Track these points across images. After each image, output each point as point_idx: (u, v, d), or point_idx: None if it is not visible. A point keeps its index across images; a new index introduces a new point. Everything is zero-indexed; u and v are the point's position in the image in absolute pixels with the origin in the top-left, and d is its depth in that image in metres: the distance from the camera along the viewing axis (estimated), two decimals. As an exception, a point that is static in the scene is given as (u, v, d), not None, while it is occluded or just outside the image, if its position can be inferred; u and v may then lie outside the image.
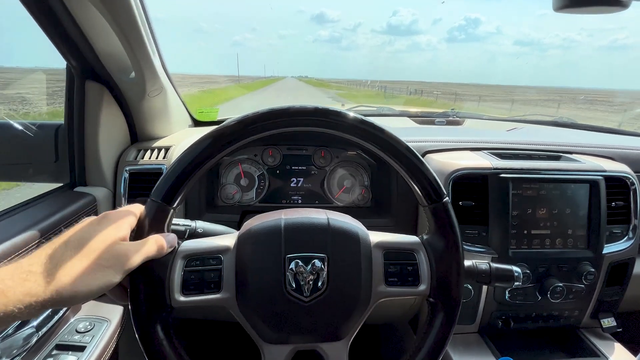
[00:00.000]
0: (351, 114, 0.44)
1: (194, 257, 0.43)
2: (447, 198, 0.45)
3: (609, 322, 0.86)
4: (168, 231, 0.42)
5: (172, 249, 0.42)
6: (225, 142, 0.42)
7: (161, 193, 0.41)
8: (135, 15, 0.61)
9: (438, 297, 0.44)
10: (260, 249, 0.43)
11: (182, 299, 0.41)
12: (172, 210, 0.42)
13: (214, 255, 0.43)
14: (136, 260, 0.36)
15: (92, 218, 0.37)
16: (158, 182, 0.42)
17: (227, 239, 0.45)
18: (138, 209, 0.41)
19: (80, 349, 0.67)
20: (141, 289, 0.40)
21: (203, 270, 0.42)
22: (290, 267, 0.42)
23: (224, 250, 0.44)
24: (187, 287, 0.41)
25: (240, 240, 0.44)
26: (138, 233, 0.40)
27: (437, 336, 0.44)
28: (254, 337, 0.43)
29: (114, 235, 0.36)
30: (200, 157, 0.42)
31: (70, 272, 0.32)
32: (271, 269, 0.42)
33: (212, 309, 0.94)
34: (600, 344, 0.83)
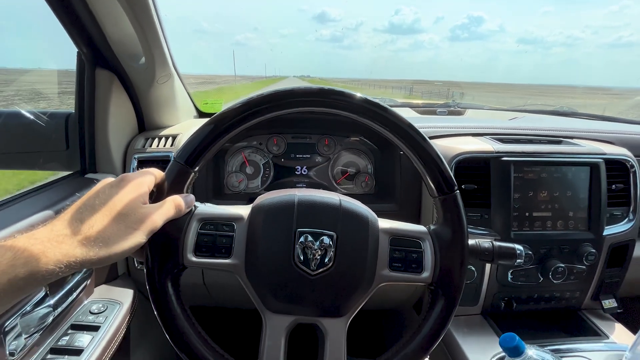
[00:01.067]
0: (357, 94, 0.45)
1: (208, 221, 0.44)
2: (457, 190, 0.46)
3: (610, 303, 0.88)
4: (187, 193, 0.44)
5: (190, 209, 0.44)
6: (250, 112, 0.44)
7: (185, 155, 0.43)
8: (149, 0, 0.62)
9: (440, 285, 0.46)
10: (272, 220, 0.44)
11: (194, 259, 0.43)
12: (193, 173, 0.44)
13: (228, 222, 0.45)
14: (159, 221, 0.38)
15: (111, 180, 0.39)
16: (182, 144, 0.44)
17: (242, 209, 0.47)
18: (156, 171, 0.43)
19: (95, 328, 0.69)
20: (157, 247, 0.42)
21: (216, 234, 0.44)
22: (300, 240, 0.43)
23: (238, 218, 0.45)
24: (200, 249, 0.43)
25: (253, 211, 0.45)
26: (158, 194, 0.42)
27: (436, 321, 0.46)
28: (257, 305, 0.45)
29: (138, 199, 0.37)
30: (225, 124, 0.43)
31: (103, 236, 0.34)
32: (281, 240, 0.43)
33: (226, 293, 0.96)
34: (602, 324, 0.85)
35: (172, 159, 0.44)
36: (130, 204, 0.36)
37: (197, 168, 0.44)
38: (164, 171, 0.44)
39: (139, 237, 0.36)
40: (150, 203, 0.40)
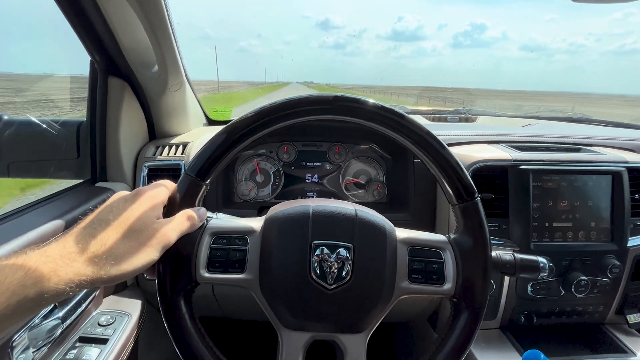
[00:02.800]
0: (372, 101, 0.44)
1: (221, 235, 0.43)
2: (478, 197, 0.44)
3: (635, 317, 0.84)
4: (199, 206, 0.43)
5: (202, 223, 0.42)
6: (263, 121, 0.43)
7: (197, 168, 0.42)
8: (164, 9, 0.62)
9: (463, 297, 0.43)
10: (287, 233, 0.43)
11: (207, 275, 0.41)
12: (204, 186, 0.43)
13: (241, 235, 0.43)
14: (172, 237, 0.37)
15: (125, 193, 0.38)
16: (193, 157, 0.42)
17: (254, 221, 0.45)
18: (169, 184, 0.42)
19: (103, 341, 0.67)
20: (169, 262, 0.40)
21: (229, 248, 0.42)
22: (315, 253, 0.41)
23: (251, 231, 0.44)
24: (213, 264, 0.42)
25: (267, 224, 0.44)
26: (170, 207, 0.41)
27: (459, 337, 0.43)
28: (273, 322, 0.43)
29: (152, 214, 0.36)
30: (237, 134, 0.42)
31: (115, 253, 0.32)
32: (296, 253, 0.42)
33: (231, 304, 0.94)
34: (627, 340, 0.81)
35: (184, 172, 0.43)
36: (143, 219, 0.35)
37: (208, 180, 0.43)
38: (175, 181, 0.43)
39: (151, 254, 0.35)
40: (163, 215, 0.39)
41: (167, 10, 0.65)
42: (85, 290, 0.69)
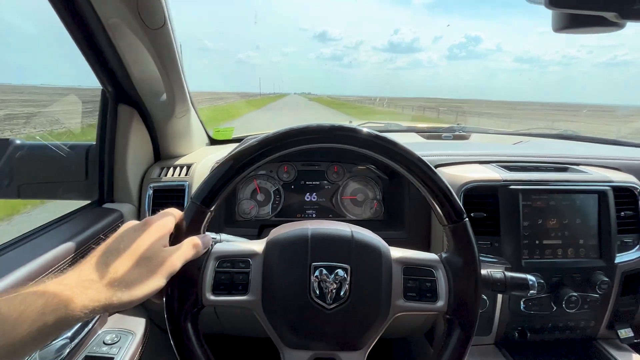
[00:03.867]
0: (366, 130, 0.47)
1: (225, 259, 0.46)
2: (467, 218, 0.47)
3: (625, 332, 0.86)
4: (204, 232, 0.46)
5: (207, 249, 0.45)
6: (265, 150, 0.45)
7: (202, 196, 0.45)
8: (174, 46, 0.67)
9: (455, 314, 0.46)
10: (287, 255, 0.45)
11: (212, 298, 0.44)
12: (209, 212, 0.45)
13: (244, 258, 0.46)
14: (178, 264, 0.40)
15: (135, 223, 0.41)
16: (199, 185, 0.45)
17: (256, 244, 0.48)
18: (176, 212, 0.45)
19: (109, 360, 0.69)
20: (176, 287, 0.43)
21: (233, 272, 0.45)
22: (315, 274, 0.44)
23: (253, 254, 0.47)
24: (218, 287, 0.44)
25: (268, 246, 0.47)
26: (177, 234, 0.44)
27: (453, 353, 0.45)
28: (275, 341, 0.45)
29: (160, 242, 0.39)
30: (241, 162, 0.45)
31: (126, 280, 0.35)
32: (297, 274, 0.44)
33: (232, 321, 0.96)
34: (618, 355, 0.83)
35: (190, 200, 0.46)
36: (152, 248, 0.38)
37: (213, 207, 0.46)
38: (180, 206, 0.46)
39: (158, 281, 0.37)
40: (170, 242, 0.42)
41: (176, 45, 0.69)
42: None
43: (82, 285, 0.33)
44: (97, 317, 0.73)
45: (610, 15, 0.34)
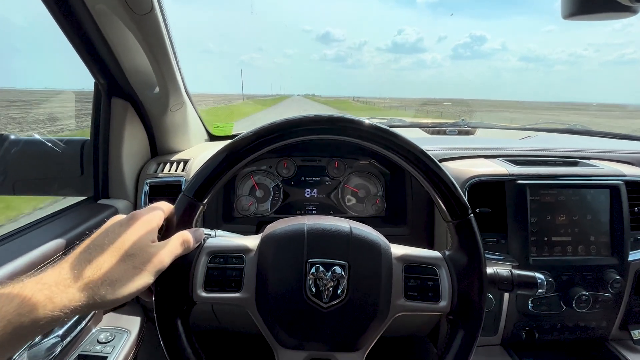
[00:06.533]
0: (367, 121, 0.45)
1: (218, 254, 0.44)
2: (472, 214, 0.44)
3: (639, 333, 0.83)
4: (196, 227, 0.44)
5: (199, 244, 0.43)
6: (260, 141, 0.43)
7: (193, 189, 0.43)
8: (163, 34, 0.65)
9: (459, 315, 0.43)
10: (282, 251, 0.43)
11: (204, 294, 0.42)
12: (201, 206, 0.43)
13: (237, 254, 0.44)
14: (166, 261, 0.37)
15: (121, 217, 0.38)
16: (191, 178, 0.43)
17: (251, 239, 0.46)
18: (165, 205, 0.42)
19: (102, 359, 0.67)
20: (166, 283, 0.41)
21: (225, 268, 0.43)
22: (311, 271, 0.42)
23: (247, 250, 0.44)
24: (210, 284, 0.42)
25: (262, 242, 0.45)
26: (167, 228, 0.42)
27: (457, 356, 0.43)
28: (269, 341, 0.43)
29: (147, 237, 0.37)
30: (236, 153, 0.43)
31: (110, 278, 0.33)
32: (292, 271, 0.42)
33: (229, 317, 0.94)
34: (632, 357, 0.80)
35: (181, 192, 0.44)
36: (138, 243, 0.36)
37: (205, 201, 0.44)
38: (174, 201, 0.44)
39: (145, 278, 0.35)
40: (159, 237, 0.39)
41: (167, 34, 0.67)
42: None
43: (62, 284, 0.31)
44: (91, 314, 0.72)
45: None
